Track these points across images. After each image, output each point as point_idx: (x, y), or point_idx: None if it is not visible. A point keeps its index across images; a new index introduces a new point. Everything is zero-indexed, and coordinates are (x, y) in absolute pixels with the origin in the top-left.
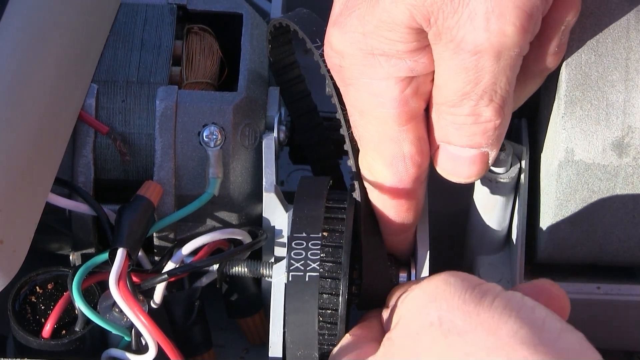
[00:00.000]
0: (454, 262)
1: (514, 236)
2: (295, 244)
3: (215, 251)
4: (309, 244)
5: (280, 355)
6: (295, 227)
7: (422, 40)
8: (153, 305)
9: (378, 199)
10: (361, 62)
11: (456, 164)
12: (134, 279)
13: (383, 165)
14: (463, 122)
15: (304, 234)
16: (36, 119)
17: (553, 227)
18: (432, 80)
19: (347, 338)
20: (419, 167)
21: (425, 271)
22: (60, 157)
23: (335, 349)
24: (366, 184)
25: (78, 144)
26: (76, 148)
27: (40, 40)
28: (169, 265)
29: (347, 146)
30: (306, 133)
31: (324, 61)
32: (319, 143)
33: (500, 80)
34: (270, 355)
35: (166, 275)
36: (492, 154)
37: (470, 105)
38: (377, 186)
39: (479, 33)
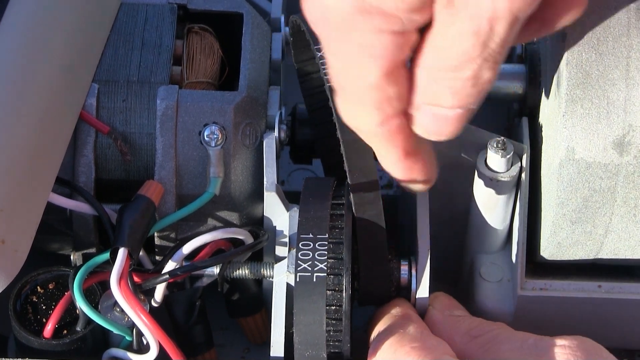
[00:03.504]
0: (454, 261)
1: (514, 235)
2: (302, 244)
3: (216, 252)
4: (316, 245)
5: (282, 355)
6: (302, 228)
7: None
8: (154, 305)
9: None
10: (353, 16)
11: (441, 124)
12: (135, 278)
13: (368, 111)
14: (462, 85)
15: (311, 235)
16: (37, 119)
17: (554, 226)
18: (420, 33)
19: None
20: (404, 103)
21: (426, 271)
22: (62, 157)
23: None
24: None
25: (79, 144)
26: (77, 148)
27: (41, 40)
28: (170, 265)
29: (339, 134)
30: (319, 127)
31: (323, 66)
32: (330, 137)
33: (508, 42)
34: (271, 354)
35: (167, 276)
36: (474, 108)
37: (473, 68)
38: (364, 132)
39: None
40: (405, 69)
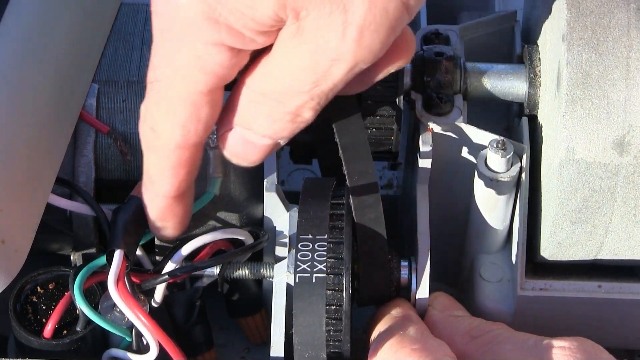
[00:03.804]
0: (454, 261)
1: (514, 235)
2: (301, 245)
3: (216, 252)
4: (315, 245)
5: (282, 355)
6: (301, 228)
7: (278, 24)
8: (154, 305)
9: (157, 158)
10: (200, 22)
11: (248, 149)
12: (135, 279)
13: (174, 126)
14: (281, 117)
15: (310, 236)
16: (37, 119)
17: (554, 226)
18: (250, 55)
19: None
20: (208, 130)
21: (426, 271)
22: (62, 157)
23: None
24: (145, 142)
25: (79, 144)
26: (77, 148)
27: (41, 40)
28: (170, 266)
29: (337, 138)
30: (318, 129)
31: None
32: (328, 140)
33: (337, 87)
34: (271, 354)
35: (167, 276)
36: (282, 144)
37: (297, 104)
38: (160, 145)
39: (347, 43)
40: (222, 93)
